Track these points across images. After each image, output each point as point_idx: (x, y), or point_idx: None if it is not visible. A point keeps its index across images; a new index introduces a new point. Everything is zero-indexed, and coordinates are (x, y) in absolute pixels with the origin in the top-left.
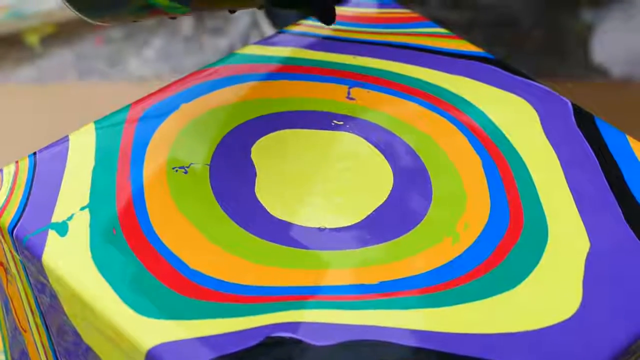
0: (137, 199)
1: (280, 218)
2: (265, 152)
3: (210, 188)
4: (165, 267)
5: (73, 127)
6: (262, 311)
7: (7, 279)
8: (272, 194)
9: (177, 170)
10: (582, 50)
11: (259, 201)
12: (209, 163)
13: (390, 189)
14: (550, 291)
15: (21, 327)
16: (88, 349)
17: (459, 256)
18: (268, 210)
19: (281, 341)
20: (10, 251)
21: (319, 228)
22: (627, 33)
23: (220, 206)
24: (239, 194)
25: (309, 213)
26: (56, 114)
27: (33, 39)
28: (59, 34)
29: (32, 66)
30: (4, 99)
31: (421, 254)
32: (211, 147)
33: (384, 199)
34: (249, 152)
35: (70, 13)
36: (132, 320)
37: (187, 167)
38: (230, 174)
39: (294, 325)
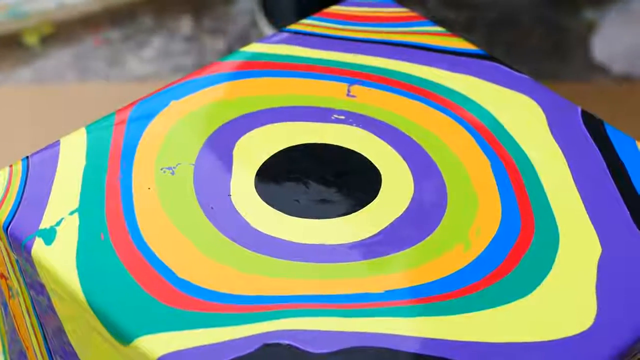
0: (126, 202)
1: (261, 231)
2: (250, 149)
3: (194, 191)
4: (152, 275)
5: (72, 127)
6: (257, 320)
7: (8, 288)
8: (249, 202)
9: (164, 171)
10: (581, 49)
11: (236, 210)
12: (193, 162)
13: (411, 195)
14: (564, 299)
15: (25, 345)
16: (75, 352)
17: (470, 263)
18: (248, 221)
19: (278, 348)
20: (7, 252)
21: (315, 244)
22: (627, 32)
23: (203, 212)
24: (218, 199)
25: (302, 229)
26: (55, 115)
27: (31, 39)
28: (58, 34)
29: (30, 66)
30: (2, 100)
31: (431, 263)
32: (197, 145)
33: (404, 207)
34: (232, 150)
35: (69, 12)
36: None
37: (175, 168)
38: (211, 175)
39: (291, 333)
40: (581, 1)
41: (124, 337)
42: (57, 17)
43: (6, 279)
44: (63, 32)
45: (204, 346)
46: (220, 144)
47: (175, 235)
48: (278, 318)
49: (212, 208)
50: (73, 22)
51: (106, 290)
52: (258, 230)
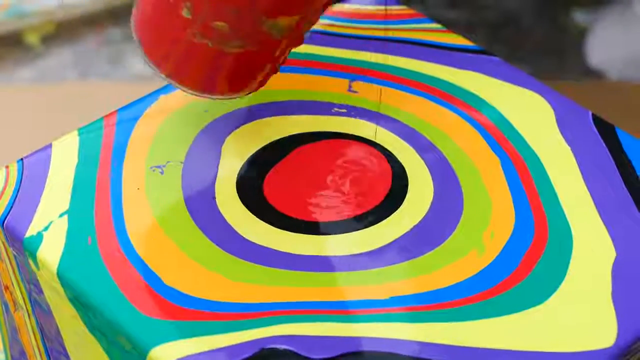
0: (115, 204)
1: (251, 240)
2: (242, 146)
3: (182, 193)
4: (139, 284)
5: (73, 126)
6: (254, 326)
7: (11, 294)
8: (234, 207)
9: (154, 170)
10: (579, 51)
11: (222, 216)
12: (182, 160)
13: (431, 200)
14: (580, 308)
15: (27, 352)
16: (67, 352)
17: (485, 269)
18: (235, 228)
19: (276, 353)
20: (6, 250)
21: (310, 255)
22: (625, 34)
23: (191, 217)
24: (205, 202)
25: (297, 240)
26: (56, 114)
27: (33, 38)
28: (59, 33)
29: (32, 66)
30: (4, 99)
31: (443, 269)
32: (187, 142)
33: (423, 214)
34: (220, 147)
35: (71, 12)
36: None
37: (164, 167)
38: (199, 175)
39: (289, 338)
40: (578, 3)
41: (127, 348)
42: (59, 17)
43: (9, 289)
44: (64, 31)
45: (199, 354)
46: (210, 141)
47: (163, 241)
48: (276, 324)
49: (198, 211)
50: (74, 22)
51: (91, 298)
52: (247, 240)
